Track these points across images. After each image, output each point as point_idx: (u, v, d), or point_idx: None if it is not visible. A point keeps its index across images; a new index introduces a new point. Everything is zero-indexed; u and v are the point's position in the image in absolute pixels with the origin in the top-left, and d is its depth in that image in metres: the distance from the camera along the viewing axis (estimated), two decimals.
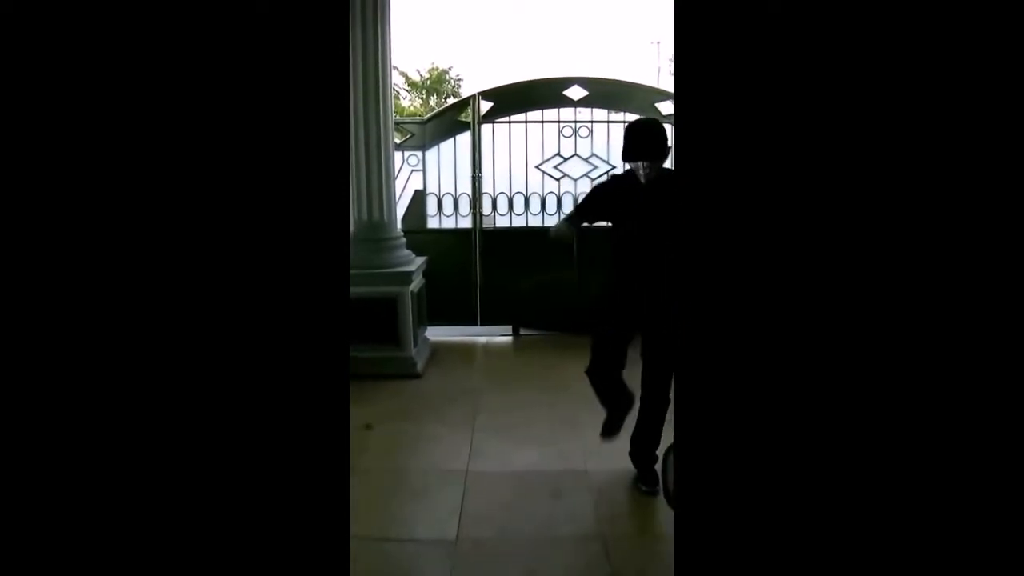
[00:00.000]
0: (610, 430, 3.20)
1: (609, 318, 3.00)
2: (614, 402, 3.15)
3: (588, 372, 3.12)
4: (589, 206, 3.02)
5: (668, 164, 2.92)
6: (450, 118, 5.81)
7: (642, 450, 3.12)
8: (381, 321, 4.61)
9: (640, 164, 2.76)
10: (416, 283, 4.88)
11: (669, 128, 3.19)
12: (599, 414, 3.70)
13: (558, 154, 5.67)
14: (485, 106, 5.65)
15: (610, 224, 2.99)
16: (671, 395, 3.00)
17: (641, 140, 2.76)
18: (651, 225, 2.74)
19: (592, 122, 5.69)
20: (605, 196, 2.99)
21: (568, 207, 5.69)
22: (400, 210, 5.33)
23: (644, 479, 3.09)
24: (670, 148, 2.85)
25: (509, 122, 5.65)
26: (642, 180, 2.77)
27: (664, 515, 2.63)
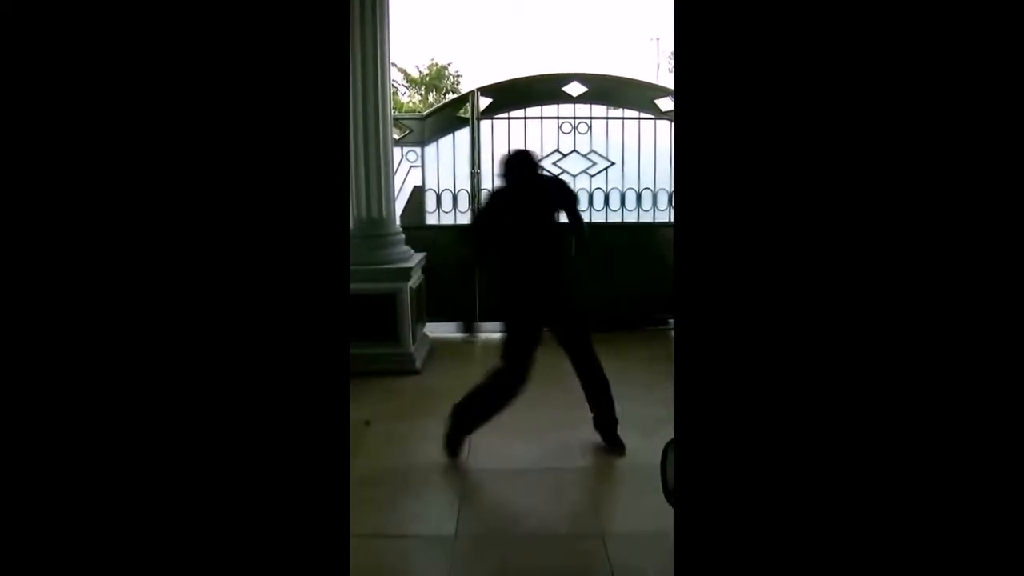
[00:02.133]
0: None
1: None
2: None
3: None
4: None
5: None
6: (449, 114, 5.79)
7: (607, 415, 3.42)
8: (380, 317, 4.60)
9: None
10: (415, 279, 4.88)
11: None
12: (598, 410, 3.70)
13: (557, 150, 5.66)
14: (484, 102, 5.63)
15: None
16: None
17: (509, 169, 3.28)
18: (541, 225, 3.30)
19: (591, 118, 5.68)
20: None
21: None
22: (399, 206, 5.32)
23: (612, 443, 3.39)
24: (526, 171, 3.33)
25: (508, 118, 5.64)
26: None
27: (663, 512, 2.63)
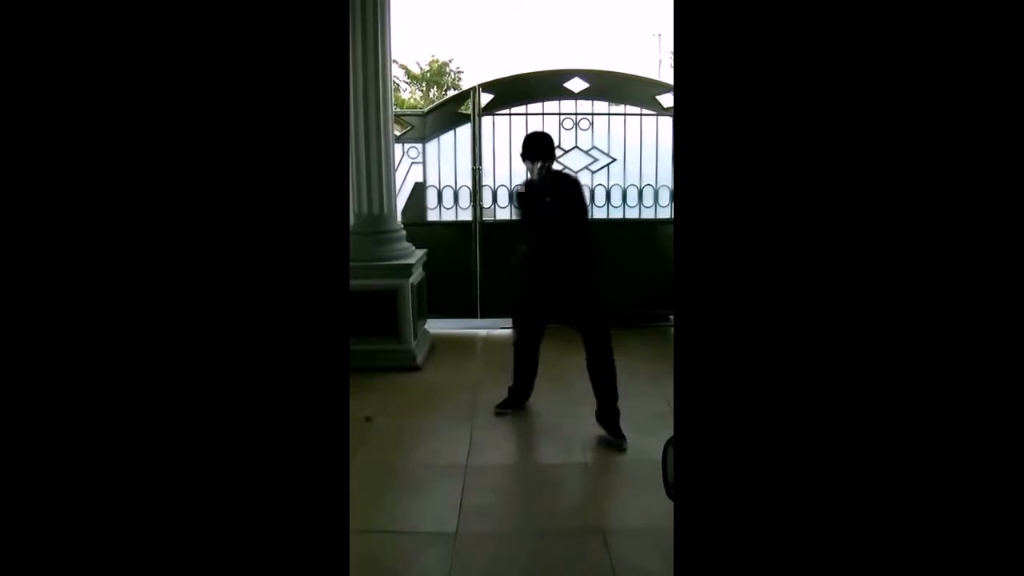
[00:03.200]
0: (518, 400, 3.84)
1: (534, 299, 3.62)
2: (529, 371, 3.77)
3: (518, 345, 3.74)
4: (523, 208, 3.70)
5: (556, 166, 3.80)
6: (450, 110, 5.79)
7: (608, 407, 3.50)
8: (381, 314, 4.61)
9: (528, 163, 3.50)
10: (416, 276, 4.88)
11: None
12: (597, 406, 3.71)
13: (559, 146, 5.65)
14: (485, 98, 5.63)
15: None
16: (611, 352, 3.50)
17: (529, 146, 3.53)
18: (550, 216, 3.44)
19: (592, 114, 5.68)
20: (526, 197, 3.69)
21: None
22: (400, 203, 5.33)
23: (613, 433, 3.47)
24: (553, 149, 3.63)
25: (509, 114, 5.64)
26: (532, 177, 3.50)
27: (664, 508, 2.63)
